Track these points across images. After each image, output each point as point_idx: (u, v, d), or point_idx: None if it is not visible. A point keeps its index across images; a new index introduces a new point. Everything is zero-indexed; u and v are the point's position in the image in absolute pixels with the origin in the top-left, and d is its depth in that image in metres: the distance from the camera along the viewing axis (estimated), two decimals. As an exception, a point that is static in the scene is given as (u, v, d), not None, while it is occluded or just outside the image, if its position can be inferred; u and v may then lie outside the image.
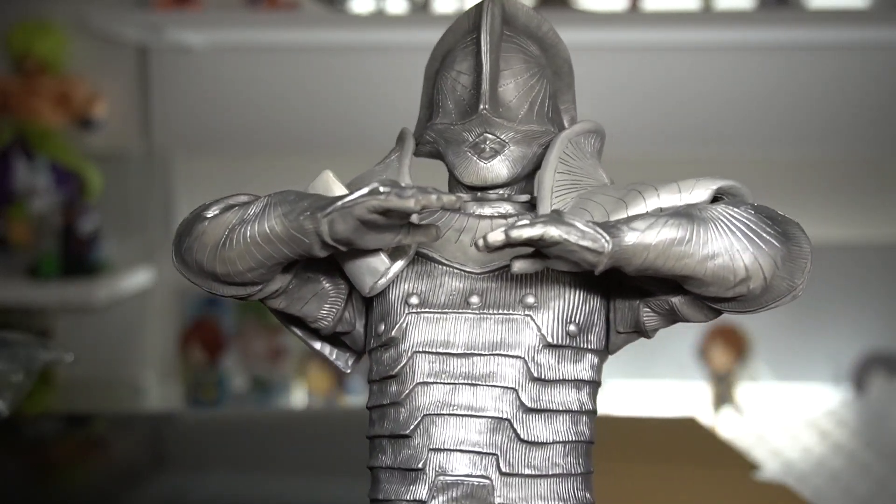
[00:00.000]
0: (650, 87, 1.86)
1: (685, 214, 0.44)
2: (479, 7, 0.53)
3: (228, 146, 1.94)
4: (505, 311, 0.48)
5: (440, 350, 0.48)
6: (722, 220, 0.44)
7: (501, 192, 0.52)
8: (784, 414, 1.73)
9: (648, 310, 0.49)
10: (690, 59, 1.86)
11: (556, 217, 0.42)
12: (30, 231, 1.76)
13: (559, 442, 0.48)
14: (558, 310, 0.49)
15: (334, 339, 0.55)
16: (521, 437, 0.47)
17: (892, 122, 1.85)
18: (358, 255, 0.48)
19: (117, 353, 1.94)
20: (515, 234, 0.41)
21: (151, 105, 1.92)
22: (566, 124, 0.55)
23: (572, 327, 0.49)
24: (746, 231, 0.44)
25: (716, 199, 0.48)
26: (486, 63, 0.50)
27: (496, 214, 0.52)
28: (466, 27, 0.54)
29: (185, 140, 1.94)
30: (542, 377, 0.48)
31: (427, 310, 0.49)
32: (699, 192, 0.47)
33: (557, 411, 0.48)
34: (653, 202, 0.47)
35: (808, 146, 1.87)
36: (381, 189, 0.43)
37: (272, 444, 0.93)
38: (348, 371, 0.57)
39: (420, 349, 0.49)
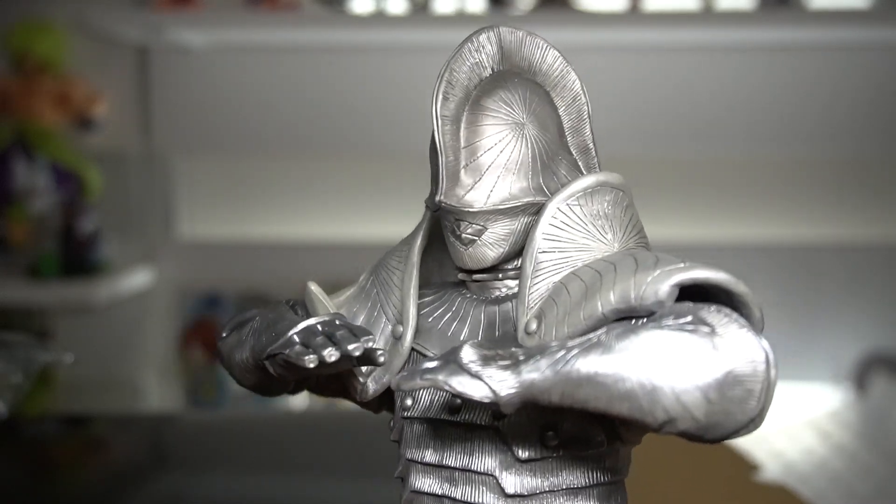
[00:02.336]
0: (650, 88, 1.86)
1: (595, 346, 0.37)
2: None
3: (228, 146, 1.93)
4: (474, 420, 0.43)
5: (426, 461, 0.45)
6: (638, 351, 0.36)
7: (495, 272, 0.46)
8: (785, 415, 1.73)
9: None
10: (691, 59, 1.86)
11: (450, 363, 0.38)
12: (30, 231, 1.76)
13: None
14: (533, 416, 0.42)
15: None
16: None
17: (893, 123, 1.85)
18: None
19: (117, 354, 1.94)
20: (406, 385, 0.39)
21: (151, 105, 1.92)
22: (582, 166, 0.48)
23: (551, 436, 0.42)
24: (669, 361, 0.36)
25: (688, 294, 0.40)
26: (441, 147, 0.44)
27: (494, 297, 0.47)
28: None
29: (185, 140, 1.94)
30: (518, 493, 0.43)
31: (416, 415, 0.46)
32: (652, 292, 0.39)
33: None
34: (607, 301, 0.40)
35: (809, 146, 1.86)
36: (295, 338, 0.43)
37: (272, 445, 0.93)
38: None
39: (410, 458, 0.46)
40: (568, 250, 0.44)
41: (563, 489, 0.43)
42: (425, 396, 0.45)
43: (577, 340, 0.38)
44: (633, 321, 0.39)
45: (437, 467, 0.45)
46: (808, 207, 1.91)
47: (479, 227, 0.44)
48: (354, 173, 1.96)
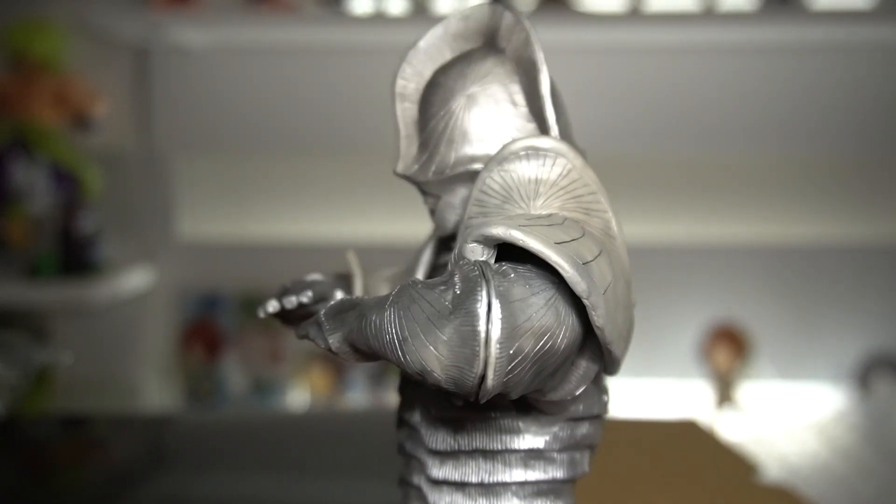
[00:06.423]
0: (651, 88, 1.86)
1: (376, 304, 0.37)
2: None
3: (228, 146, 1.93)
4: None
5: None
6: (393, 306, 0.36)
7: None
8: (787, 416, 1.73)
9: None
10: (692, 60, 1.86)
11: (315, 322, 0.40)
12: (28, 231, 1.76)
13: None
14: None
15: None
16: None
17: (894, 123, 1.85)
18: None
19: (116, 354, 1.94)
20: (262, 313, 0.49)
21: (151, 105, 1.92)
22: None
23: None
24: (413, 317, 0.35)
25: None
26: (397, 122, 0.47)
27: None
28: None
29: (184, 140, 1.93)
30: (438, 450, 0.44)
31: None
32: (462, 248, 0.38)
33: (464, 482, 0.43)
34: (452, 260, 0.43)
35: (810, 146, 1.86)
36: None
37: (272, 445, 0.93)
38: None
39: None
40: (491, 216, 0.43)
41: (477, 450, 0.43)
42: None
43: (373, 299, 0.38)
44: None
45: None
46: (811, 207, 1.91)
47: (435, 196, 0.46)
48: (354, 173, 1.96)
